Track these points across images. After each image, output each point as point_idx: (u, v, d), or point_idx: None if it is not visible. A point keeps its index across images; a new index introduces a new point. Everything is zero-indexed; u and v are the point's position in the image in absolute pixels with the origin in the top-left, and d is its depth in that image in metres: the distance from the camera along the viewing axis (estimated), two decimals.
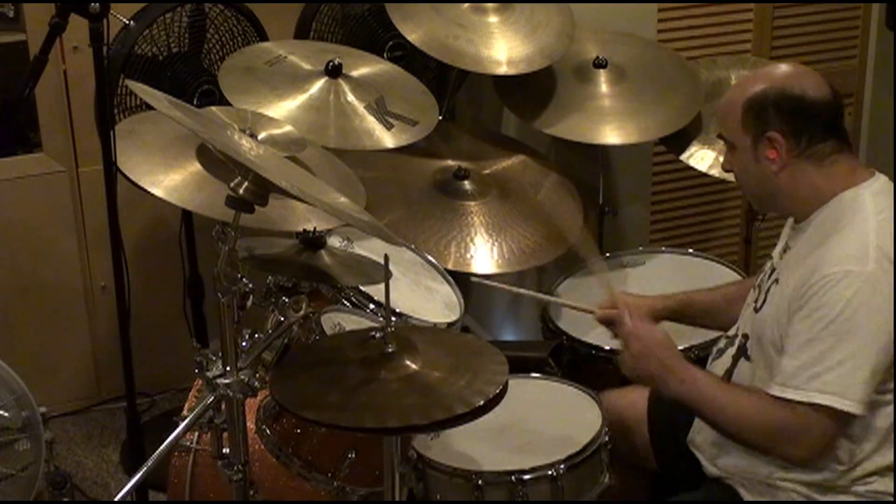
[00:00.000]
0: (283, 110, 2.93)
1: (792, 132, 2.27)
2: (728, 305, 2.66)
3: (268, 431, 2.45)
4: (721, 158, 3.36)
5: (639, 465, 2.69)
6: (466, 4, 3.30)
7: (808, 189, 2.30)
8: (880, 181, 2.32)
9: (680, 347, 2.83)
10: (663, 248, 3.43)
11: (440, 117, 3.22)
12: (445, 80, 3.53)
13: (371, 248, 2.81)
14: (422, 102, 3.17)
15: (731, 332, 2.51)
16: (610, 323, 2.61)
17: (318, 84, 3.03)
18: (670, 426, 2.59)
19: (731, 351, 2.46)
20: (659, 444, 2.64)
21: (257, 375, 2.26)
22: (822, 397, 2.18)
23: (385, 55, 3.40)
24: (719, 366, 2.48)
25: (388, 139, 3.01)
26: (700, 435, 2.50)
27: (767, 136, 2.28)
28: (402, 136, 3.03)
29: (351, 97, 3.04)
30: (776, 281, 2.34)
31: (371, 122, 3.01)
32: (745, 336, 2.41)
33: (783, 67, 2.39)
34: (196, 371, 2.29)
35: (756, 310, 2.38)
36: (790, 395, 2.21)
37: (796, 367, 2.21)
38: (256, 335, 2.34)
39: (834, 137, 2.30)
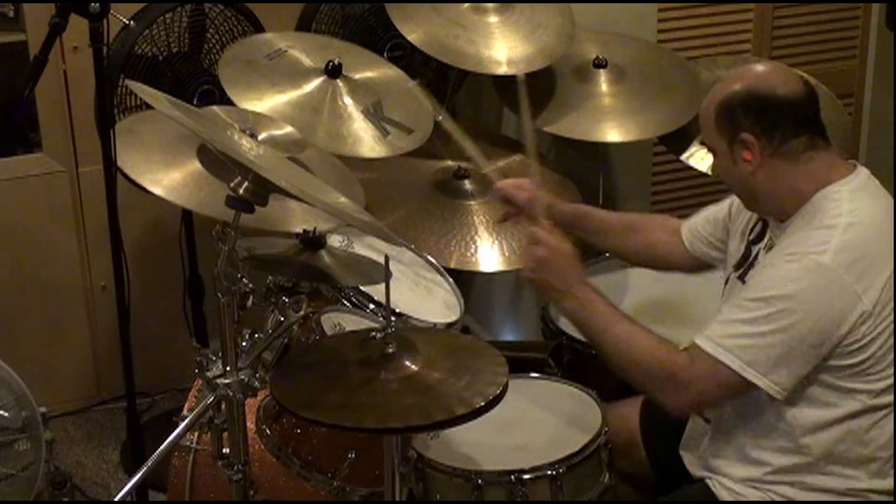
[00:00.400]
0: (278, 106, 2.91)
1: (762, 131, 2.27)
2: (624, 230, 2.72)
3: (268, 431, 2.45)
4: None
5: (638, 477, 2.69)
6: (466, 4, 3.30)
7: (786, 188, 2.30)
8: (860, 177, 2.31)
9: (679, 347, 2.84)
10: None
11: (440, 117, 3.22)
12: (445, 80, 3.53)
13: (371, 248, 2.81)
14: (419, 110, 3.14)
15: None
16: (509, 201, 2.71)
17: (316, 83, 3.03)
18: (664, 436, 2.59)
19: None
20: (655, 455, 2.63)
21: (257, 375, 2.26)
22: (730, 358, 2.19)
23: (385, 55, 3.40)
24: None
25: (378, 149, 2.97)
26: (686, 432, 2.50)
27: (740, 138, 2.28)
28: (395, 145, 3.00)
29: (347, 99, 3.03)
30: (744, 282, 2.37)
31: (365, 127, 3.00)
32: None
33: (754, 68, 2.40)
34: (196, 371, 2.29)
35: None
36: (702, 343, 2.23)
37: (721, 322, 2.24)
38: (256, 335, 2.34)
39: (807, 133, 2.29)
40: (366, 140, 2.99)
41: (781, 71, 2.37)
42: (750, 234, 2.47)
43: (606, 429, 2.52)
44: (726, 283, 2.50)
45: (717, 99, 2.32)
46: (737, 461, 2.36)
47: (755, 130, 2.27)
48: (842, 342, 2.20)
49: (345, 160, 2.92)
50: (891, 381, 2.25)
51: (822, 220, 2.25)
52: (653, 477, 2.66)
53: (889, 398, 2.26)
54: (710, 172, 3.35)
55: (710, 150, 2.39)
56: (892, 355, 2.23)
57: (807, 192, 2.29)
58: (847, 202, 2.26)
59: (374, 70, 3.17)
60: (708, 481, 2.41)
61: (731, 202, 2.57)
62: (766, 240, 2.42)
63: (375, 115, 3.03)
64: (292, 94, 2.98)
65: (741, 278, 2.44)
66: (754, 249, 2.45)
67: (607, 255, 3.37)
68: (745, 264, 2.45)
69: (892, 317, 2.22)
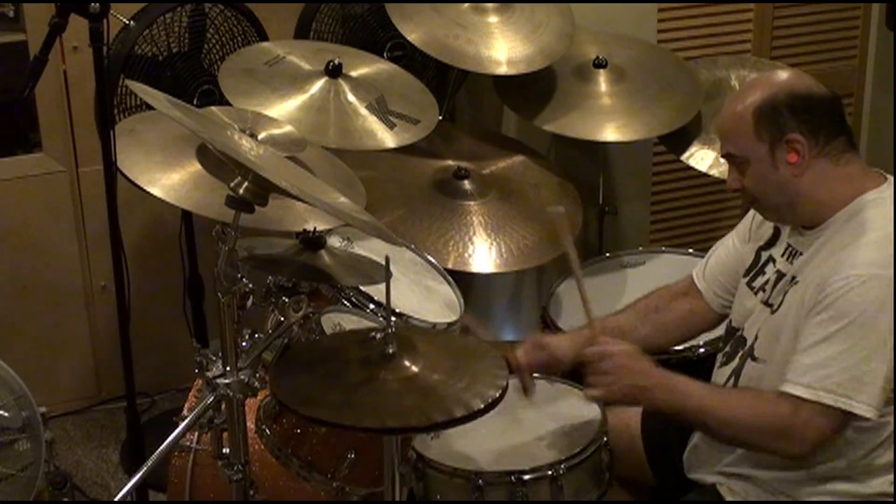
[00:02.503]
0: (284, 111, 2.93)
1: (810, 130, 2.25)
2: (642, 320, 2.63)
3: (268, 431, 2.45)
4: (722, 159, 3.37)
5: (638, 482, 2.69)
6: (466, 4, 3.30)
7: (827, 192, 2.28)
8: (893, 185, 2.31)
9: (679, 347, 2.84)
10: (663, 248, 3.43)
11: (440, 117, 3.22)
12: (445, 80, 3.53)
13: (371, 248, 2.81)
14: (422, 101, 3.17)
15: (744, 335, 2.47)
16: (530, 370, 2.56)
17: (319, 84, 3.04)
18: (665, 441, 2.58)
19: (742, 351, 2.42)
20: (656, 461, 2.63)
21: (257, 375, 2.26)
22: (832, 398, 2.16)
23: (385, 55, 3.40)
24: (728, 369, 2.45)
25: (389, 139, 3.01)
26: (696, 439, 2.50)
27: (787, 139, 2.25)
28: (403, 136, 3.03)
29: (351, 97, 3.04)
30: (794, 282, 2.31)
31: (372, 122, 3.02)
32: (756, 336, 2.38)
33: (781, 72, 2.39)
34: (196, 371, 2.29)
35: (773, 311, 2.34)
36: (800, 392, 2.18)
37: (808, 364, 2.19)
38: (256, 335, 2.34)
39: (844, 134, 2.30)
40: (374, 134, 3.00)
41: (807, 75, 2.36)
42: (759, 240, 2.47)
43: (606, 429, 2.52)
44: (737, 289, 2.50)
45: (753, 104, 2.27)
46: (754, 468, 2.36)
47: (802, 130, 2.25)
48: None
49: (344, 159, 2.92)
50: None
51: (877, 229, 2.22)
52: (653, 482, 2.66)
53: None
54: (710, 172, 3.35)
55: (739, 161, 2.32)
56: None
57: (844, 196, 2.27)
58: (892, 209, 2.25)
59: (371, 67, 3.18)
60: (719, 487, 2.41)
61: (732, 240, 2.56)
62: (778, 245, 2.40)
63: (380, 109, 3.05)
64: (297, 98, 2.99)
65: (749, 284, 2.44)
66: (763, 255, 2.44)
67: (607, 254, 3.38)
68: (754, 270, 2.45)
69: None
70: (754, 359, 2.38)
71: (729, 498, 2.39)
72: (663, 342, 2.66)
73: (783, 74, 2.37)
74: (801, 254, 2.33)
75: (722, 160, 2.47)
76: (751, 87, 2.34)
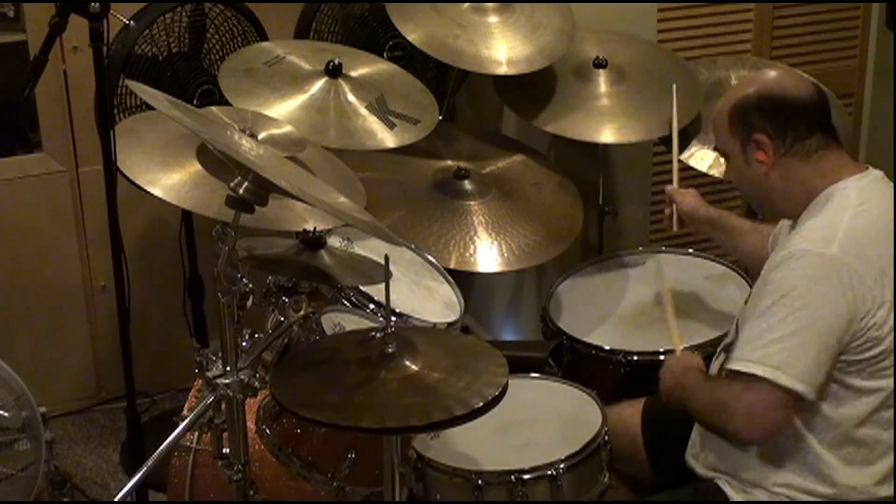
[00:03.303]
0: (284, 111, 2.93)
1: (775, 131, 2.33)
2: (750, 230, 2.76)
3: (268, 431, 2.45)
4: (722, 159, 3.37)
5: (638, 480, 2.69)
6: (466, 4, 3.30)
7: (799, 186, 2.33)
8: (871, 176, 2.34)
9: (682, 347, 2.85)
10: (663, 248, 3.43)
11: (440, 117, 3.22)
12: (445, 80, 3.53)
13: (371, 248, 2.81)
14: (422, 101, 3.17)
15: (731, 334, 2.52)
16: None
17: (319, 84, 3.04)
18: (666, 439, 2.59)
19: (726, 344, 2.47)
20: (656, 458, 2.63)
21: (257, 375, 2.26)
22: (761, 368, 2.19)
23: (385, 55, 3.40)
24: (717, 362, 2.49)
25: (389, 139, 3.01)
26: (694, 435, 2.51)
27: (753, 138, 2.34)
28: (403, 136, 3.03)
29: (351, 97, 3.04)
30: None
31: (372, 121, 3.02)
32: (736, 328, 2.43)
33: (766, 72, 2.48)
34: (196, 371, 2.29)
35: (746, 301, 2.42)
36: (735, 365, 2.24)
37: (744, 339, 2.25)
38: (256, 335, 2.34)
39: (819, 133, 2.34)
40: (374, 134, 3.00)
41: (793, 75, 2.45)
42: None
43: (606, 429, 2.53)
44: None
45: (730, 103, 2.38)
46: (754, 465, 2.36)
47: (768, 131, 2.32)
48: (859, 333, 2.20)
49: (344, 159, 2.92)
50: None
51: (828, 213, 2.27)
52: (653, 480, 2.66)
53: None
54: (710, 172, 3.36)
55: (724, 154, 2.44)
56: None
57: (816, 190, 2.32)
58: (854, 195, 2.28)
59: (371, 67, 3.18)
60: (718, 481, 2.41)
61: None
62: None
63: (380, 109, 3.05)
64: (297, 98, 2.99)
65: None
66: None
67: (607, 255, 3.38)
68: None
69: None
70: (728, 350, 2.42)
71: (728, 490, 2.39)
72: (751, 262, 2.82)
73: (764, 75, 2.45)
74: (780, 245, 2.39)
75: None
76: (735, 87, 2.45)
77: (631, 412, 2.68)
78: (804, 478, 2.30)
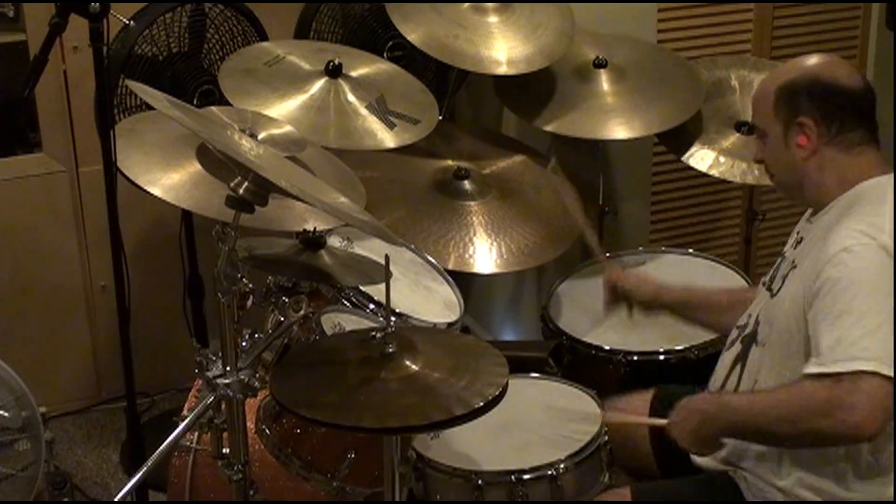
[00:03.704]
0: (284, 111, 2.93)
1: (823, 118, 2.29)
2: (730, 305, 2.64)
3: (268, 431, 2.45)
4: (722, 159, 3.37)
5: (641, 472, 2.68)
6: (466, 4, 3.30)
7: (833, 177, 2.31)
8: None
9: (679, 347, 2.85)
10: (663, 248, 3.43)
11: (440, 117, 3.22)
12: (445, 80, 3.53)
13: (371, 248, 2.81)
14: (422, 101, 3.17)
15: (741, 322, 2.49)
16: (614, 289, 2.76)
17: (319, 84, 3.04)
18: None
19: (743, 335, 2.43)
20: (662, 452, 2.62)
21: (257, 375, 2.26)
22: (865, 364, 2.11)
23: (385, 55, 3.40)
24: (730, 354, 2.46)
25: (389, 139, 3.01)
26: None
27: (798, 121, 2.30)
28: (403, 136, 3.03)
29: (351, 97, 3.04)
30: (794, 266, 2.32)
31: (372, 121, 3.02)
32: (758, 321, 2.39)
33: (817, 57, 2.40)
34: (196, 371, 2.29)
35: (773, 295, 2.36)
36: (832, 368, 2.13)
37: (833, 341, 2.15)
38: (256, 335, 2.34)
39: (863, 128, 2.31)
40: (374, 134, 3.00)
41: (845, 64, 2.38)
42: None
43: (606, 429, 2.52)
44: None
45: (779, 81, 2.34)
46: (769, 461, 2.35)
47: (815, 116, 2.29)
48: None
49: (344, 159, 2.92)
50: None
51: (869, 206, 2.23)
52: (656, 473, 2.65)
53: None
54: (710, 172, 3.35)
55: (760, 133, 2.39)
56: None
57: (848, 183, 2.29)
58: (890, 192, 2.25)
59: (371, 67, 3.18)
60: (732, 474, 2.40)
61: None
62: (793, 238, 2.42)
63: (380, 109, 3.05)
64: (297, 98, 2.99)
65: (766, 284, 2.44)
66: (781, 256, 2.45)
67: (607, 254, 3.38)
68: (771, 270, 2.46)
69: None
70: (757, 343, 2.38)
71: (742, 485, 2.38)
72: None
73: (816, 60, 2.38)
74: (804, 240, 2.36)
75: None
76: (785, 67, 2.40)
77: (639, 403, 2.65)
78: (820, 477, 2.29)
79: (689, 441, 2.36)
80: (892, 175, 2.31)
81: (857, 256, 2.17)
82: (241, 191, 2.10)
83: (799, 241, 2.39)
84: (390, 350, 2.16)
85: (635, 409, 2.65)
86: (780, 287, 2.34)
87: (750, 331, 2.41)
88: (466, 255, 3.09)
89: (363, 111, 3.03)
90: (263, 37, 3.30)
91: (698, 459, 2.48)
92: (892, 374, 2.12)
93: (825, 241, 2.23)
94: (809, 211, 2.41)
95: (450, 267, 3.03)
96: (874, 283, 2.15)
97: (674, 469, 2.56)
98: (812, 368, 2.16)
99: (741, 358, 2.42)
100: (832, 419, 2.14)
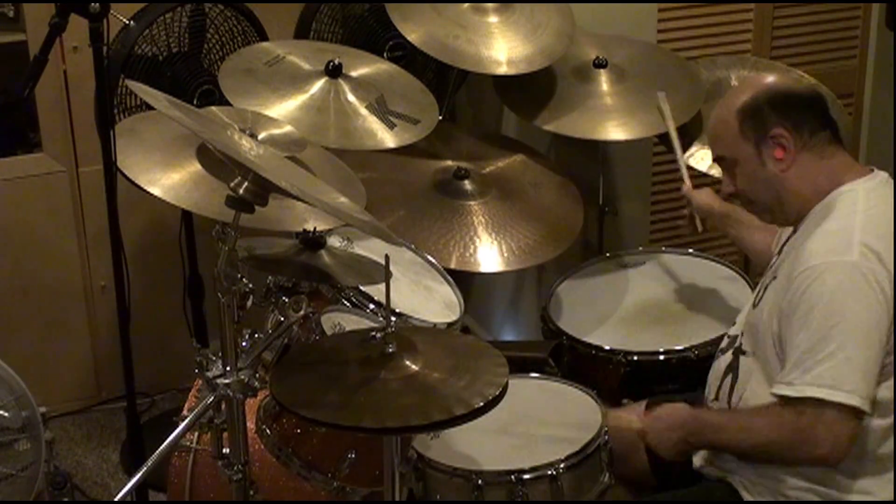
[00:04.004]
0: (284, 111, 2.93)
1: (794, 125, 2.31)
2: (761, 227, 2.73)
3: (268, 431, 2.45)
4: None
5: (638, 483, 2.68)
6: (466, 4, 3.30)
7: (810, 187, 2.32)
8: (878, 178, 2.33)
9: (679, 347, 2.85)
10: (663, 248, 3.42)
11: (440, 117, 3.22)
12: (445, 80, 3.53)
13: (371, 248, 2.81)
14: (422, 101, 3.17)
15: (733, 332, 2.52)
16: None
17: (319, 84, 3.04)
18: None
19: (734, 346, 2.46)
20: (659, 465, 2.62)
21: (257, 375, 2.26)
22: (815, 390, 2.16)
23: (385, 55, 3.40)
24: (722, 362, 2.48)
25: (389, 139, 3.01)
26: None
27: (771, 134, 2.31)
28: (403, 136, 3.03)
29: (351, 97, 3.04)
30: (774, 277, 2.36)
31: (372, 121, 3.02)
32: (742, 332, 2.43)
33: (762, 75, 2.54)
34: (196, 371, 2.29)
35: (754, 305, 2.40)
36: (784, 391, 2.20)
37: (791, 364, 2.21)
38: (256, 335, 2.34)
39: (828, 128, 2.34)
40: (374, 134, 3.00)
41: (788, 76, 2.43)
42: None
43: (606, 429, 2.52)
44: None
45: (737, 105, 2.35)
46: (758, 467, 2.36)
47: (786, 125, 2.31)
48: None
49: (344, 159, 2.92)
50: None
51: (836, 218, 2.25)
52: (653, 483, 2.66)
53: None
54: (710, 172, 3.35)
55: (729, 164, 2.39)
56: None
57: (823, 190, 2.31)
58: (863, 199, 2.26)
59: (371, 67, 3.18)
60: (731, 479, 2.41)
61: None
62: (780, 245, 2.43)
63: (380, 109, 3.05)
64: (297, 98, 2.99)
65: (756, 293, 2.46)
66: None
67: (607, 254, 3.38)
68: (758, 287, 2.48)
69: None
70: (745, 353, 2.40)
71: (742, 491, 2.39)
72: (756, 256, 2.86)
73: (763, 77, 2.46)
74: (784, 249, 2.38)
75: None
76: (733, 92, 2.42)
77: (633, 417, 2.66)
78: (820, 478, 2.30)
79: (666, 452, 2.45)
80: (868, 178, 2.31)
81: (825, 277, 2.18)
82: (241, 191, 2.09)
83: (780, 253, 2.41)
84: (390, 350, 2.16)
85: (629, 423, 2.66)
86: (761, 298, 2.37)
87: (739, 341, 2.44)
88: (467, 255, 3.09)
89: (363, 111, 3.03)
90: (263, 37, 3.30)
91: (697, 463, 2.48)
92: (840, 399, 2.15)
93: (797, 257, 2.25)
94: None
95: (452, 266, 3.03)
96: (835, 307, 2.16)
97: (670, 477, 2.56)
98: (778, 389, 2.22)
99: (732, 367, 2.44)
100: (800, 451, 2.22)
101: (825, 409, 2.16)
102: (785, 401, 2.22)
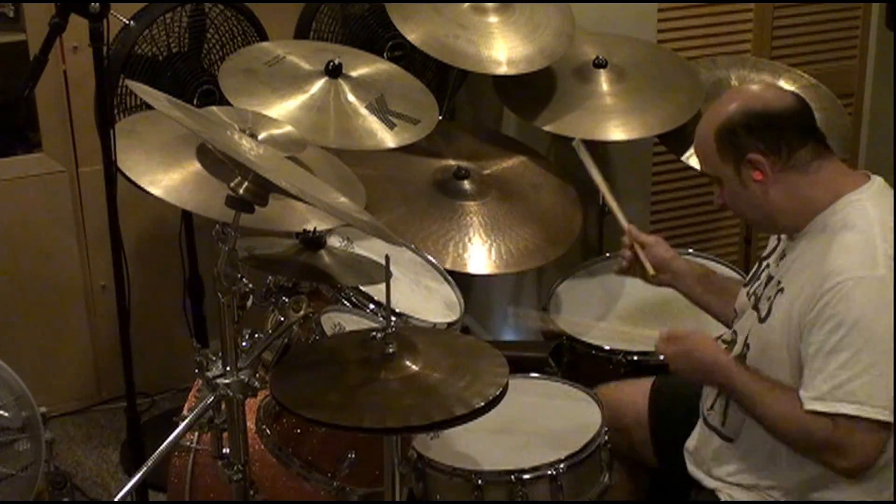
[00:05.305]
0: (284, 111, 2.93)
1: (769, 148, 2.26)
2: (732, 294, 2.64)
3: (268, 431, 2.45)
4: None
5: (637, 461, 2.69)
6: (466, 4, 3.30)
7: (800, 200, 2.28)
8: (877, 184, 2.30)
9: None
10: None
11: (440, 117, 3.22)
12: (445, 80, 3.53)
13: (371, 248, 2.81)
14: (422, 101, 3.17)
15: (728, 337, 2.50)
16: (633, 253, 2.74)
17: (319, 84, 3.04)
18: (672, 423, 2.58)
19: (733, 356, 2.42)
20: (660, 441, 2.63)
21: (257, 375, 2.26)
22: (850, 407, 2.15)
23: (385, 55, 3.41)
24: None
25: (389, 139, 3.01)
26: (695, 442, 2.50)
27: (747, 158, 2.27)
28: (403, 136, 3.03)
29: (351, 97, 3.04)
30: (780, 290, 2.31)
31: (372, 121, 3.02)
32: (747, 345, 2.38)
33: (742, 89, 2.41)
34: (196, 371, 2.29)
35: (761, 320, 2.34)
36: (818, 407, 2.18)
37: (822, 379, 2.18)
38: (256, 335, 2.34)
39: (811, 141, 2.29)
40: (374, 134, 3.00)
41: (769, 87, 2.39)
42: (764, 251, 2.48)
43: (606, 429, 2.53)
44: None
45: (714, 126, 2.30)
46: (753, 473, 2.36)
47: (761, 149, 2.26)
48: None
49: (344, 159, 2.92)
50: None
51: (855, 230, 2.22)
52: (654, 462, 2.65)
53: None
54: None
55: (715, 180, 2.36)
56: None
57: (820, 202, 2.27)
58: (872, 209, 2.24)
59: (371, 67, 3.18)
60: (718, 493, 2.41)
61: None
62: (776, 251, 2.41)
63: (380, 109, 3.05)
64: (297, 98, 2.99)
65: (747, 293, 2.44)
66: (763, 264, 2.45)
67: (607, 254, 3.38)
68: (752, 277, 2.47)
69: None
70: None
71: (741, 496, 2.39)
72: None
73: (741, 93, 2.38)
74: (787, 256, 2.34)
75: None
76: (712, 110, 2.36)
77: (639, 390, 2.66)
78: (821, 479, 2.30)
79: (687, 378, 2.43)
80: (868, 185, 2.28)
81: (852, 292, 2.15)
82: (241, 191, 2.10)
83: (782, 256, 2.37)
84: (390, 350, 2.16)
85: (631, 397, 2.66)
86: (768, 312, 2.33)
87: (739, 353, 2.40)
88: (466, 255, 3.09)
89: (363, 111, 3.03)
90: (263, 37, 3.30)
91: (691, 468, 2.49)
92: (873, 415, 2.15)
93: (818, 268, 2.21)
94: None
95: (448, 266, 3.03)
96: (867, 323, 2.15)
97: (672, 462, 2.56)
98: (811, 405, 2.19)
99: None
100: (825, 456, 2.22)
101: (858, 423, 2.16)
102: (818, 413, 2.19)
